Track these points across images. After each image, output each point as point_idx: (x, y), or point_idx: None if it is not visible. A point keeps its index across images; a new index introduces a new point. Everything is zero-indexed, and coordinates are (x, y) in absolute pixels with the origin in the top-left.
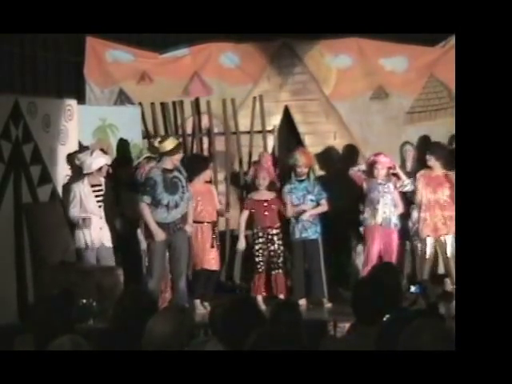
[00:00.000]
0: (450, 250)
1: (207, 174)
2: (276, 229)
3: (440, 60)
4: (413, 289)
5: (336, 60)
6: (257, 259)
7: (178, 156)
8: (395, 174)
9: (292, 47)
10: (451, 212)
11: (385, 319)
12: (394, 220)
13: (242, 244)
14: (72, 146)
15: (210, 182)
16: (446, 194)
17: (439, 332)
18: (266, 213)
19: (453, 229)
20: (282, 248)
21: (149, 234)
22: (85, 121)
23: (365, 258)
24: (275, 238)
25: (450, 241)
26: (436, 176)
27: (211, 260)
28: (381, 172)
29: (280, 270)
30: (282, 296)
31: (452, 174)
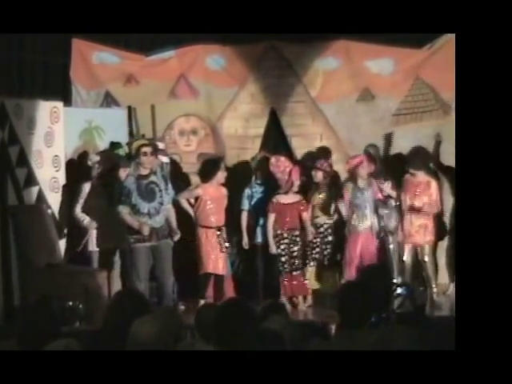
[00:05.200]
0: (427, 257)
1: (220, 177)
2: (298, 230)
3: (426, 62)
4: (399, 291)
5: (322, 62)
6: (283, 258)
7: (149, 159)
8: (375, 176)
9: (278, 49)
10: (427, 221)
11: (372, 320)
12: (375, 225)
13: (273, 248)
14: (58, 149)
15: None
16: (424, 201)
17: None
18: (288, 215)
19: (428, 238)
20: (302, 249)
21: (134, 238)
22: (71, 123)
23: (347, 261)
24: (298, 238)
25: (427, 249)
26: (418, 183)
27: (217, 264)
28: (362, 172)
29: (300, 271)
30: (300, 297)
31: (434, 181)
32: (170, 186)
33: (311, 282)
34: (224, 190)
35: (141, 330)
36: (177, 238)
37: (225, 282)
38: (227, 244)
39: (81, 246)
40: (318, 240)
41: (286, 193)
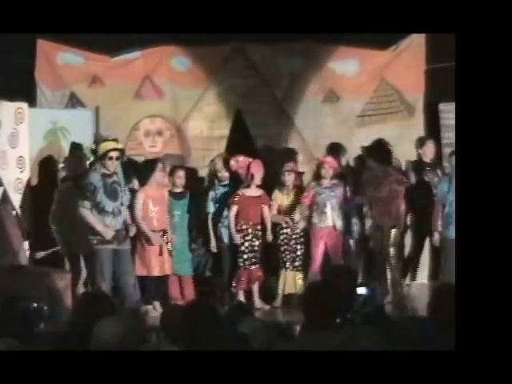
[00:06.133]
0: (392, 241)
1: (158, 177)
2: (260, 225)
3: (391, 63)
4: (361, 291)
5: (287, 63)
6: (245, 256)
7: (113, 163)
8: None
9: (244, 50)
10: (390, 206)
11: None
12: (340, 222)
13: (237, 239)
14: (23, 150)
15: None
16: (385, 190)
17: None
18: (251, 209)
19: (393, 223)
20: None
21: (97, 239)
22: (36, 124)
23: (312, 259)
24: (260, 233)
25: (392, 234)
26: (375, 174)
27: (158, 267)
28: (328, 172)
29: (258, 265)
30: (255, 287)
31: (389, 168)
32: (127, 187)
33: (285, 283)
34: (164, 192)
35: (104, 332)
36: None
37: (185, 282)
38: (170, 247)
39: (44, 254)
40: (288, 241)
41: (249, 186)
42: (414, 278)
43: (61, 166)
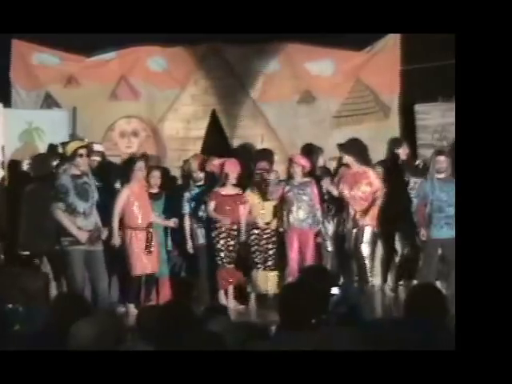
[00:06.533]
0: (364, 244)
1: (139, 175)
2: (236, 224)
3: (366, 64)
4: (333, 291)
5: (263, 64)
6: (222, 254)
7: (84, 160)
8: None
9: (219, 51)
10: (367, 208)
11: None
12: (310, 221)
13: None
14: None
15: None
16: (361, 189)
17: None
18: (228, 208)
19: (367, 222)
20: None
21: (69, 240)
22: (10, 124)
23: (287, 258)
24: (235, 233)
25: (366, 234)
26: (353, 173)
27: (147, 264)
28: (296, 170)
29: (234, 265)
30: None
31: (370, 170)
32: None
33: (259, 283)
34: (145, 189)
35: (80, 333)
36: (104, 235)
37: (162, 283)
38: (153, 244)
39: None
40: (258, 242)
41: (224, 185)
42: (385, 280)
43: (26, 163)
